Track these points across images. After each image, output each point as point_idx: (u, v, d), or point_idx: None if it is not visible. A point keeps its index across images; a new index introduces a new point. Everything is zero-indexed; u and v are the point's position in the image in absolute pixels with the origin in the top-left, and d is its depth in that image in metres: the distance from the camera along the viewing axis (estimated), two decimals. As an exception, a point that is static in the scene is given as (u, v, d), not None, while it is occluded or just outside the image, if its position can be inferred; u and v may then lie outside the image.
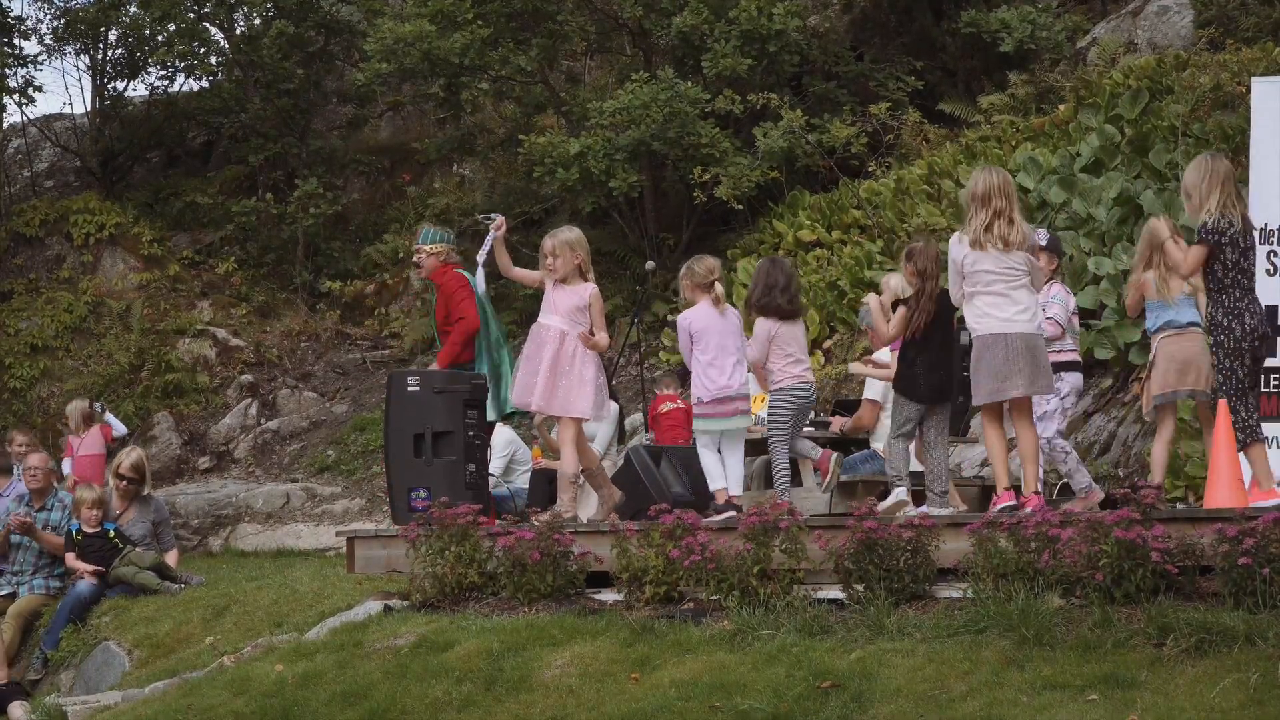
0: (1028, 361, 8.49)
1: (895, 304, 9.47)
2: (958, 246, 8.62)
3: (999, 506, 8.37)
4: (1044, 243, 9.21)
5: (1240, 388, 8.26)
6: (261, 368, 19.40)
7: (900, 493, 9.03)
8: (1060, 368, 9.30)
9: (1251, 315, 8.27)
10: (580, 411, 9.53)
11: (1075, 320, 9.55)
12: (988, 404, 8.61)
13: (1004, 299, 8.49)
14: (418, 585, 9.12)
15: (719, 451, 9.58)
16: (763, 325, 9.53)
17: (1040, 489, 8.73)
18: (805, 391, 9.59)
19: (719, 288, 9.67)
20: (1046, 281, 9.15)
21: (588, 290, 9.54)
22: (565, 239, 9.59)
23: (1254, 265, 8.45)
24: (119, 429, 15.18)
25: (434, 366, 10.73)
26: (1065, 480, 11.08)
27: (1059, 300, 9.52)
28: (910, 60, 17.93)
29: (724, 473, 9.48)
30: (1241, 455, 8.32)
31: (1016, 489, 8.53)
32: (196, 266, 20.64)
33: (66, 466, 14.64)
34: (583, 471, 9.79)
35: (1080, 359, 9.23)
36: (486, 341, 10.74)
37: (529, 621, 8.37)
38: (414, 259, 11.01)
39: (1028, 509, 8.21)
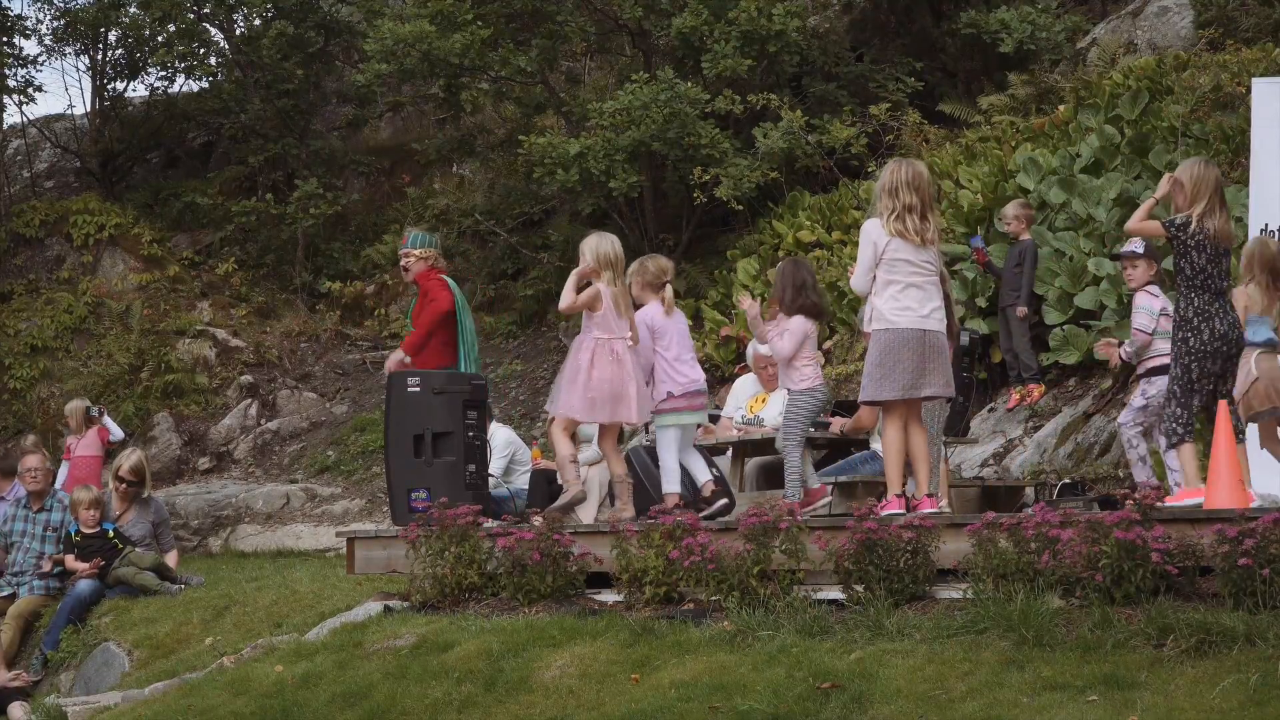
0: (943, 361, 8.57)
1: None
2: (879, 231, 8.53)
3: (886, 512, 8.32)
4: (1142, 250, 9.14)
5: (1189, 388, 8.35)
6: (261, 368, 19.40)
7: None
8: (1155, 371, 9.16)
9: (1221, 321, 8.34)
10: (552, 404, 9.73)
11: (1166, 321, 9.44)
12: (895, 403, 8.56)
13: (923, 294, 8.50)
14: (418, 586, 9.12)
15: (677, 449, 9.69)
16: (800, 323, 9.61)
17: (935, 491, 8.73)
18: (825, 394, 9.72)
19: (669, 290, 9.79)
20: (1141, 287, 9.09)
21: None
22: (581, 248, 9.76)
23: (1226, 273, 8.48)
24: (116, 433, 15.14)
25: (399, 353, 10.82)
26: (1065, 481, 11.10)
27: (1145, 308, 9.38)
28: (910, 61, 17.93)
29: (680, 476, 9.54)
30: (1173, 453, 8.55)
31: (902, 495, 8.55)
32: (196, 267, 20.66)
33: (63, 471, 14.60)
34: (614, 480, 9.78)
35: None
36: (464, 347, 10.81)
37: (529, 622, 8.37)
38: (401, 263, 11.12)
39: (922, 510, 8.29)
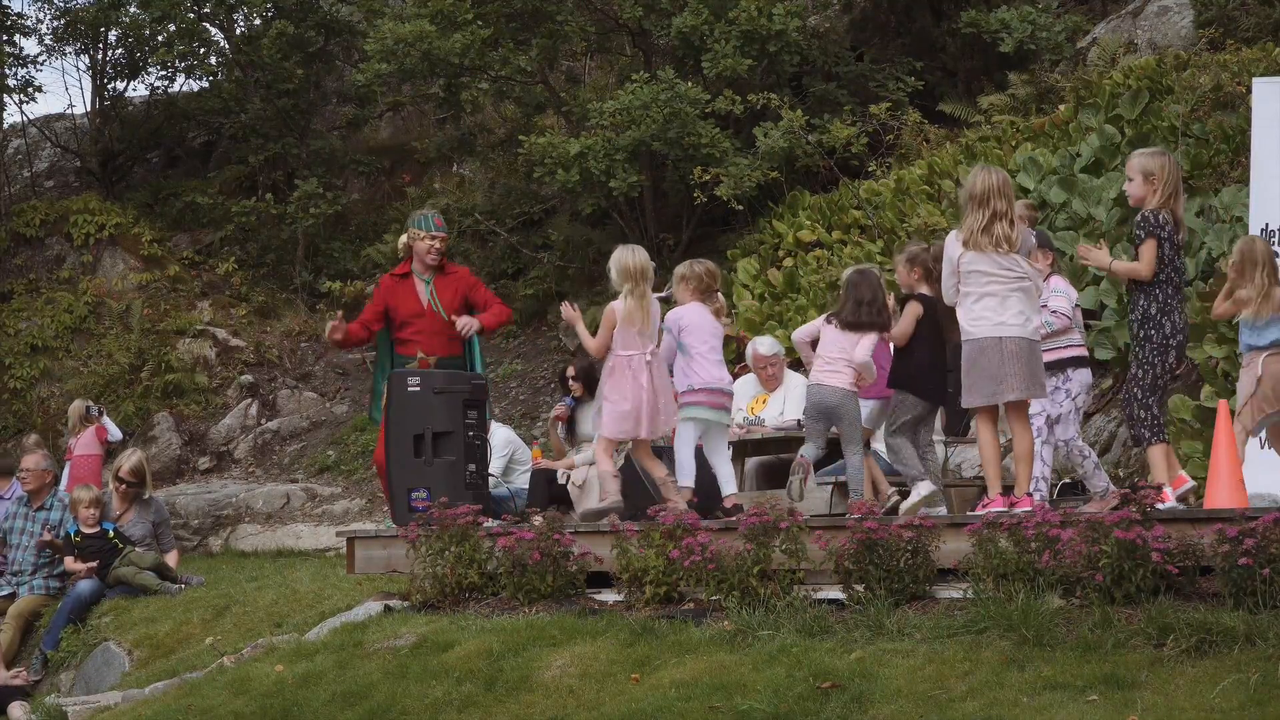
0: (1024, 365, 8.42)
1: (904, 301, 9.42)
2: (954, 245, 8.55)
3: (990, 509, 8.27)
4: (1037, 240, 9.15)
5: (1157, 384, 8.31)
6: (261, 368, 19.40)
7: (924, 487, 8.97)
8: (1068, 364, 9.17)
9: (1180, 315, 8.30)
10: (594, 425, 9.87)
11: (1079, 314, 9.44)
12: (983, 407, 8.58)
13: (1000, 302, 8.44)
14: (418, 586, 9.13)
15: (700, 450, 9.58)
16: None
17: (1033, 490, 8.69)
18: (827, 393, 9.60)
19: (721, 298, 9.73)
20: (1046, 277, 9.09)
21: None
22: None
23: (1184, 266, 8.46)
24: (115, 434, 15.12)
25: (478, 321, 10.59)
26: (1065, 481, 11.09)
27: (1061, 292, 9.37)
28: (910, 60, 17.93)
29: (694, 471, 9.45)
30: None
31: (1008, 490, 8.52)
32: (196, 266, 20.65)
33: (65, 471, 14.61)
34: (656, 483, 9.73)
35: (1087, 354, 9.15)
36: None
37: (529, 622, 8.37)
38: (435, 246, 10.80)
39: (1020, 510, 8.23)
